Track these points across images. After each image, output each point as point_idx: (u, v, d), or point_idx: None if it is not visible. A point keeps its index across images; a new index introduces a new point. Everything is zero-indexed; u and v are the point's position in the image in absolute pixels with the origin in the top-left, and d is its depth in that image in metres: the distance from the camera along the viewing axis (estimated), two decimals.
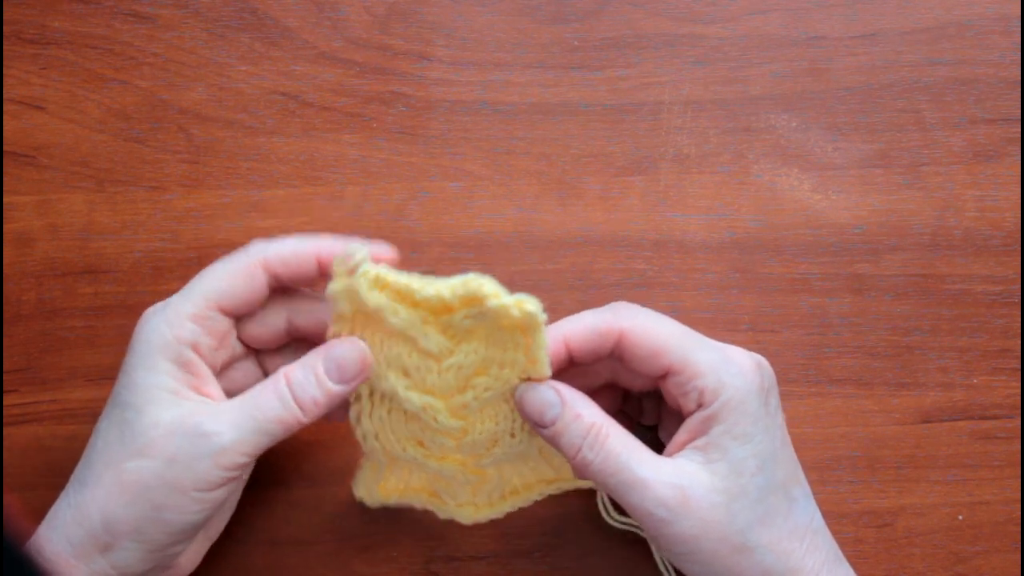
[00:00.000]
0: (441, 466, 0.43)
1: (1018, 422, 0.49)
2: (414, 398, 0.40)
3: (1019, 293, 0.49)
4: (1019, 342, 0.49)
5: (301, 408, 0.39)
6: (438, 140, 0.51)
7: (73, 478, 0.40)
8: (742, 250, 0.50)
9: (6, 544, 0.28)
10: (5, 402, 0.48)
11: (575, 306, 0.49)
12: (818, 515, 0.41)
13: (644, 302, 0.49)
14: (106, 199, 0.50)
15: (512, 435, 0.42)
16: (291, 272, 0.41)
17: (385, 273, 0.38)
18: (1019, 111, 0.51)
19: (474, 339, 0.40)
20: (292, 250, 0.41)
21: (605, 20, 0.51)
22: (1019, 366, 0.49)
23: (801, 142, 0.51)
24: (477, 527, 0.47)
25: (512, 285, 0.49)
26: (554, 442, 0.40)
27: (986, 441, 0.48)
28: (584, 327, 0.41)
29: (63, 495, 0.40)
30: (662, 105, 0.51)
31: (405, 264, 0.49)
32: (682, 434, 0.40)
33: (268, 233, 0.49)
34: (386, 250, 0.41)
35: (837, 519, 0.48)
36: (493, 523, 0.47)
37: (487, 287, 0.37)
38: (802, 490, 0.41)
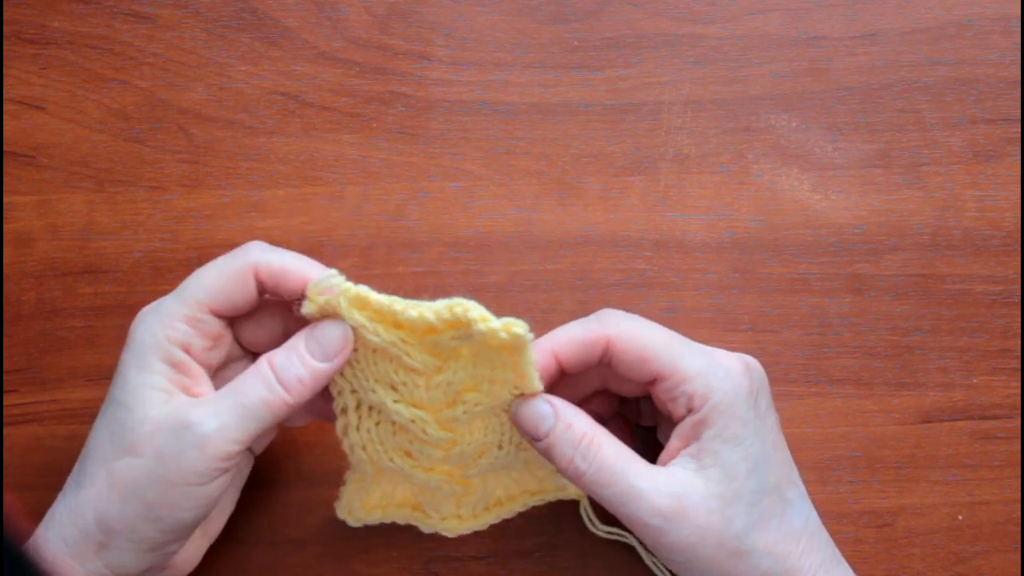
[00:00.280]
0: (428, 477, 0.43)
1: (1018, 422, 0.49)
2: (403, 411, 0.41)
3: (1019, 293, 0.49)
4: (1019, 342, 0.49)
5: (286, 389, 0.39)
6: (438, 140, 0.51)
7: (70, 478, 0.40)
8: (742, 250, 0.50)
9: (6, 544, 0.28)
10: (5, 402, 0.48)
11: (575, 306, 0.49)
12: (814, 515, 0.41)
13: (644, 302, 0.49)
14: (106, 199, 0.50)
15: (499, 447, 0.43)
16: (277, 287, 0.41)
17: (366, 293, 0.38)
18: (1019, 111, 0.51)
19: (461, 357, 0.40)
20: (283, 266, 0.41)
21: (605, 20, 0.51)
22: (1019, 366, 0.49)
23: (801, 142, 0.51)
24: None
25: (512, 285, 0.49)
26: (548, 454, 0.40)
27: (986, 441, 0.48)
28: (571, 338, 0.41)
29: (60, 495, 0.40)
30: (662, 105, 0.51)
31: (405, 263, 0.50)
32: (674, 441, 0.40)
33: (268, 233, 0.50)
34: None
35: (837, 519, 0.48)
36: (493, 523, 0.47)
37: (473, 312, 0.37)
38: (797, 491, 0.41)
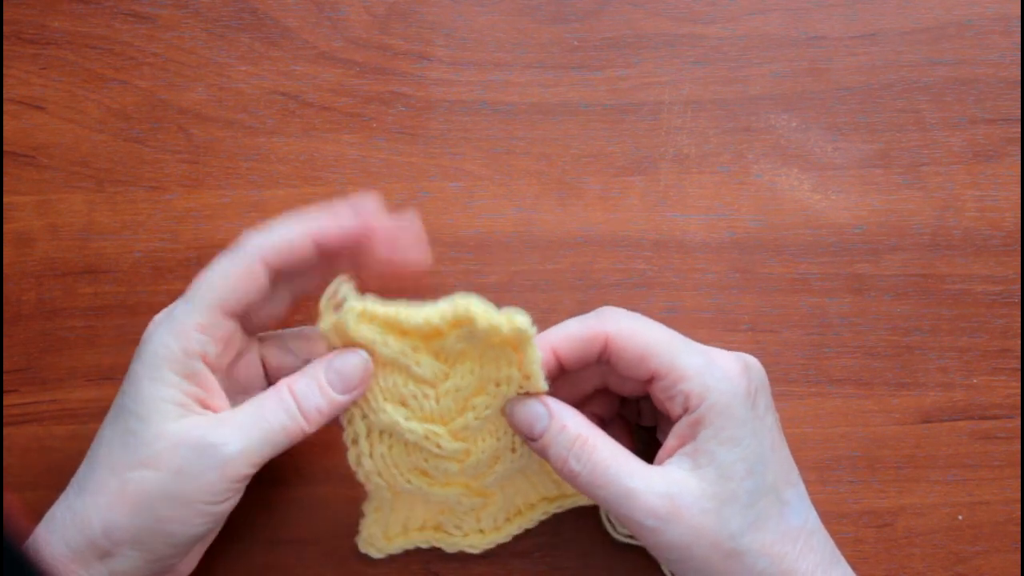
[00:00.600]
0: (446, 493, 0.43)
1: (1018, 422, 0.49)
2: (416, 428, 0.41)
3: (1019, 293, 0.49)
4: (1019, 342, 0.49)
5: (306, 418, 0.39)
6: (438, 140, 0.51)
7: (73, 482, 0.40)
8: (742, 250, 0.50)
9: (6, 544, 0.28)
10: (5, 402, 0.48)
11: (575, 306, 0.49)
12: (813, 516, 0.41)
13: (644, 302, 0.49)
14: (106, 199, 0.50)
15: (513, 450, 0.43)
16: (290, 262, 0.41)
17: (372, 306, 0.39)
18: (1019, 111, 0.51)
19: (467, 360, 0.40)
20: (286, 240, 0.41)
21: (605, 20, 0.51)
22: (1019, 366, 0.49)
23: (801, 142, 0.51)
24: None
25: (512, 285, 0.49)
26: (543, 455, 0.40)
27: (986, 441, 0.48)
28: (570, 335, 0.41)
29: (62, 498, 0.40)
30: (662, 105, 0.51)
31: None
32: (671, 440, 0.40)
33: None
34: (371, 202, 0.41)
35: (837, 519, 0.48)
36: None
37: (475, 307, 0.38)
38: (795, 491, 0.41)
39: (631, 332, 0.40)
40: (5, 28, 0.51)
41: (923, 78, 0.51)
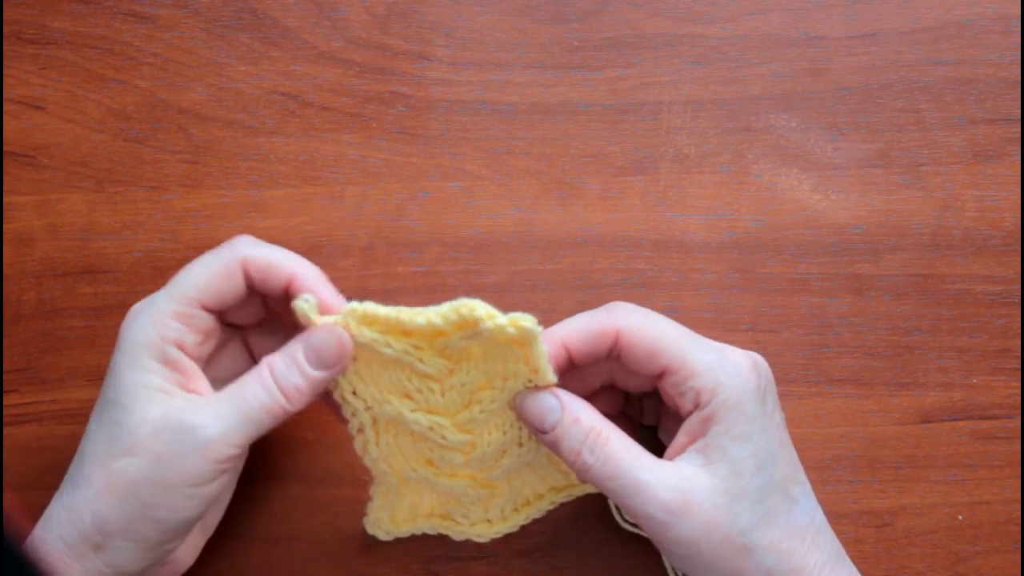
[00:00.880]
0: (452, 483, 0.43)
1: (1018, 422, 0.48)
2: (421, 419, 0.41)
3: (1019, 293, 0.49)
4: (1019, 342, 0.49)
5: (285, 396, 0.39)
6: (438, 140, 0.51)
7: (66, 478, 0.40)
8: (742, 250, 0.50)
9: (6, 544, 0.28)
10: (5, 402, 0.48)
11: (575, 306, 0.49)
12: (820, 514, 0.41)
13: (644, 302, 0.49)
14: (106, 199, 0.50)
15: (520, 444, 0.42)
16: (264, 281, 0.41)
17: (372, 309, 0.39)
18: (1019, 111, 0.51)
19: (472, 356, 0.40)
20: (269, 260, 0.41)
21: (605, 20, 0.51)
22: (1019, 366, 0.49)
23: (801, 142, 0.51)
24: None
25: (512, 285, 0.49)
26: (555, 447, 0.40)
27: (986, 441, 0.48)
28: (581, 329, 0.41)
29: (56, 495, 0.40)
30: (662, 105, 0.51)
31: (405, 263, 0.50)
32: (681, 436, 0.40)
33: (268, 233, 0.50)
34: (333, 295, 0.41)
35: (837, 519, 0.48)
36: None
37: (479, 310, 0.37)
38: (802, 489, 0.41)
39: (642, 327, 0.40)
40: (5, 28, 0.51)
41: (923, 78, 0.51)
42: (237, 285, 0.41)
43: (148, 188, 0.50)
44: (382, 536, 0.45)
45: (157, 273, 0.49)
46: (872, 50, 0.51)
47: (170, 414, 0.39)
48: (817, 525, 0.41)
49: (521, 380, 0.40)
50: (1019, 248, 0.50)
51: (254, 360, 0.45)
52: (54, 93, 0.51)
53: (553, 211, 0.50)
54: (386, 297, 0.47)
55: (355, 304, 0.39)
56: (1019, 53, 0.51)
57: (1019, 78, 0.51)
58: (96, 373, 0.49)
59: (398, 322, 0.39)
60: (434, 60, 0.51)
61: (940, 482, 0.48)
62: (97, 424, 0.40)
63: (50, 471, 0.47)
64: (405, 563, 0.47)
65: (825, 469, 0.48)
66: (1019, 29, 0.51)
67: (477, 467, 0.43)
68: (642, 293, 0.49)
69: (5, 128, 0.50)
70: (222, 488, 0.40)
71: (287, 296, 0.41)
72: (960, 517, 0.48)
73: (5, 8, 0.51)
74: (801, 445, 0.48)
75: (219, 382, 0.41)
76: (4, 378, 0.49)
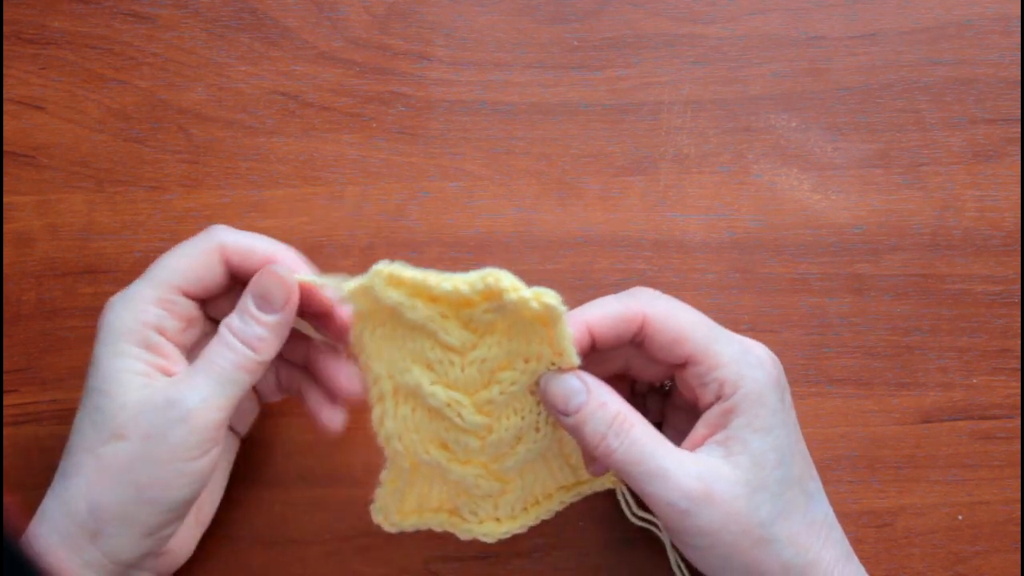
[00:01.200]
0: (464, 471, 0.43)
1: (1018, 422, 0.49)
2: (439, 393, 0.40)
3: (1019, 293, 0.49)
4: (1019, 342, 0.49)
5: (251, 348, 0.40)
6: (438, 140, 0.51)
7: (57, 471, 0.40)
8: (742, 250, 0.50)
9: (6, 544, 0.28)
10: (5, 402, 0.48)
11: (575, 306, 0.49)
12: (831, 510, 0.41)
13: None
14: (106, 199, 0.50)
15: (537, 429, 0.42)
16: (243, 265, 0.42)
17: (400, 270, 0.38)
18: (1019, 111, 0.51)
19: (496, 332, 0.39)
20: (248, 247, 0.42)
21: (605, 20, 0.51)
22: (1019, 366, 0.49)
23: (801, 142, 0.51)
24: None
25: None
26: (577, 431, 0.40)
27: (986, 441, 0.48)
28: (607, 313, 0.40)
29: (49, 491, 0.40)
30: (662, 105, 0.51)
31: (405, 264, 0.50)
32: (700, 428, 0.40)
33: (268, 233, 0.49)
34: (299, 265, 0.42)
35: (838, 519, 0.48)
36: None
37: (505, 281, 0.37)
38: (816, 484, 0.41)
39: (667, 314, 0.40)
40: (5, 28, 0.51)
41: (923, 78, 0.51)
42: (216, 271, 0.41)
43: (148, 188, 0.50)
44: (387, 527, 0.45)
45: None
46: (872, 50, 0.51)
47: (152, 395, 0.39)
48: (830, 521, 0.41)
49: (544, 363, 0.40)
50: (1019, 248, 0.50)
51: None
52: (54, 93, 0.51)
53: (553, 211, 0.50)
54: None
55: (383, 264, 0.38)
56: (1019, 53, 0.51)
57: (1019, 78, 0.51)
58: None
59: (425, 286, 0.38)
60: (434, 60, 0.51)
61: (940, 482, 0.48)
62: (82, 413, 0.40)
63: (50, 471, 0.47)
64: (405, 563, 0.47)
65: (825, 469, 0.48)
66: (1019, 29, 0.51)
67: (492, 453, 0.42)
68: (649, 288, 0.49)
69: (5, 128, 0.50)
70: (213, 465, 0.40)
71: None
72: (960, 517, 0.48)
73: (5, 8, 0.51)
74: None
75: None
76: (4, 378, 0.49)
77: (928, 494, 0.48)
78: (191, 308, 0.42)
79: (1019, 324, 0.49)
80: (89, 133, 0.51)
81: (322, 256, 0.49)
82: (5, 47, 0.51)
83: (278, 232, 0.50)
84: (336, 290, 0.40)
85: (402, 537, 0.47)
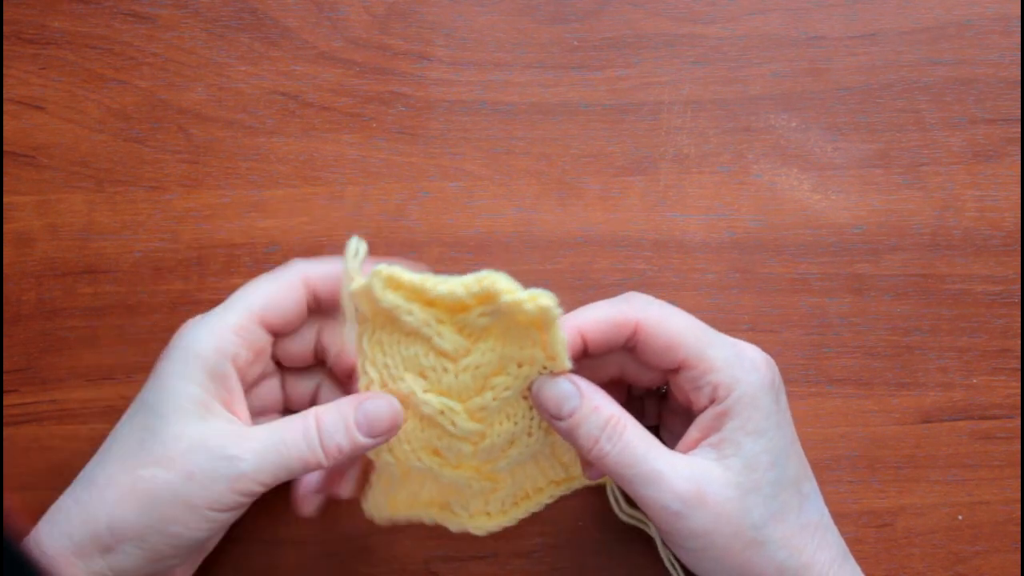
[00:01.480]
0: (456, 475, 0.43)
1: (1018, 422, 0.49)
2: (432, 401, 0.40)
3: (1019, 293, 0.49)
4: (1019, 342, 0.49)
5: (325, 453, 0.39)
6: (438, 140, 0.51)
7: (83, 475, 0.40)
8: (742, 250, 0.50)
9: (6, 543, 0.28)
10: (5, 402, 0.48)
11: (575, 306, 0.49)
12: (827, 512, 0.41)
13: None
14: (106, 199, 0.50)
15: (529, 433, 0.42)
16: (325, 293, 0.42)
17: (399, 272, 0.38)
18: (1019, 111, 0.51)
19: (490, 337, 0.39)
20: (330, 273, 0.41)
21: (605, 20, 0.51)
22: (1019, 366, 0.49)
23: (801, 142, 0.51)
24: None
25: None
26: (570, 435, 0.40)
27: (986, 441, 0.48)
28: (600, 318, 0.41)
29: (69, 491, 0.40)
30: (662, 105, 0.51)
31: (405, 264, 0.50)
32: (694, 431, 0.40)
33: (268, 233, 0.50)
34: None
35: (837, 519, 0.47)
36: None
37: (501, 283, 0.37)
38: (811, 486, 0.41)
39: (660, 320, 0.40)
40: (5, 28, 0.51)
41: (923, 78, 0.51)
42: (299, 301, 0.41)
43: (148, 188, 0.50)
44: (378, 519, 0.45)
45: (157, 273, 0.49)
46: (872, 50, 0.51)
47: (210, 437, 0.38)
48: (825, 523, 0.41)
49: (536, 367, 0.40)
50: (1019, 248, 0.50)
51: (286, 401, 0.45)
52: (54, 93, 0.51)
53: (553, 211, 0.50)
54: None
55: (382, 266, 0.38)
56: (1019, 53, 0.51)
57: (1019, 78, 0.51)
58: (96, 373, 0.49)
59: (422, 289, 0.38)
60: (434, 60, 0.51)
61: (940, 482, 0.48)
62: (129, 426, 0.40)
63: (50, 471, 0.47)
64: (405, 563, 0.47)
65: (825, 469, 0.48)
66: (1019, 29, 0.51)
67: (484, 458, 0.42)
68: (642, 293, 0.49)
69: (5, 128, 0.50)
70: (237, 517, 0.40)
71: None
72: (960, 517, 0.48)
73: (5, 8, 0.51)
74: (801, 445, 0.48)
75: (250, 410, 0.41)
76: (4, 378, 0.49)
77: (928, 494, 0.48)
78: (265, 342, 0.41)
79: (1019, 324, 0.49)
80: (89, 133, 0.51)
81: (322, 256, 0.49)
82: (5, 47, 0.51)
83: (278, 232, 0.50)
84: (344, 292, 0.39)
85: (402, 537, 0.47)
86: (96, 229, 0.50)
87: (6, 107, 0.51)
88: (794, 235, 0.50)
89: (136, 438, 0.39)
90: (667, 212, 0.50)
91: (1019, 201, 0.50)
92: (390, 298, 0.38)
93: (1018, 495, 0.48)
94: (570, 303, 0.49)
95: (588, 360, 0.42)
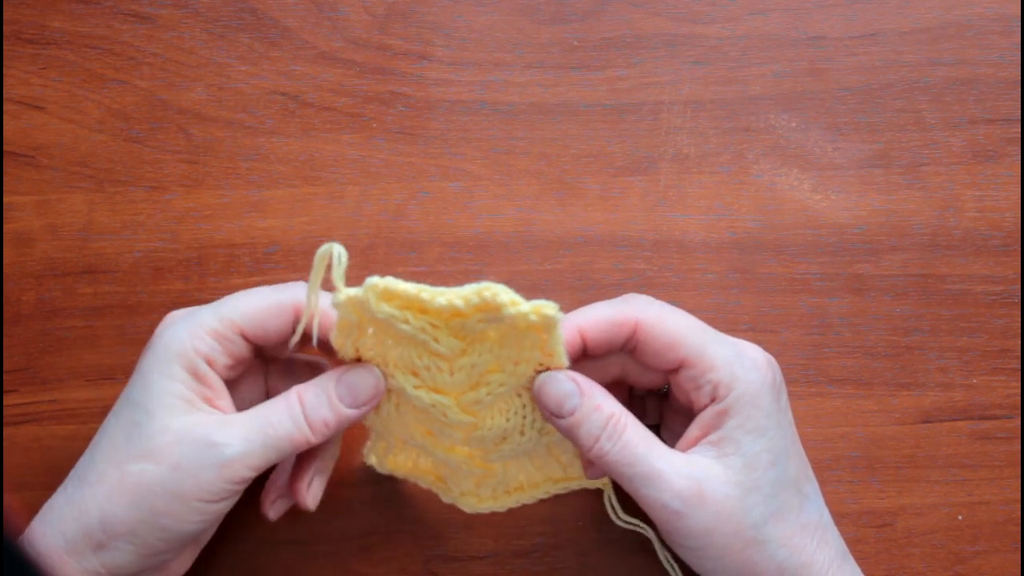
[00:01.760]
0: (448, 456, 0.43)
1: (1018, 422, 0.48)
2: (423, 396, 0.40)
3: (1019, 293, 0.49)
4: (1019, 342, 0.49)
5: (311, 428, 0.39)
6: (438, 140, 0.51)
7: (73, 473, 0.40)
8: (742, 250, 0.50)
9: (5, 543, 0.28)
10: (5, 402, 0.48)
11: (575, 306, 0.49)
12: (827, 512, 0.41)
13: None
14: (106, 199, 0.50)
15: (521, 432, 0.42)
16: (322, 325, 0.41)
17: (394, 284, 0.37)
18: (1019, 111, 0.51)
19: (487, 339, 0.39)
20: (324, 311, 0.40)
21: (605, 20, 0.51)
22: (1019, 366, 0.49)
23: (801, 142, 0.51)
24: (477, 526, 0.47)
25: (512, 285, 0.49)
26: (570, 433, 0.40)
27: (986, 441, 0.48)
28: (600, 318, 0.41)
29: (61, 490, 0.40)
30: (662, 105, 0.51)
31: (405, 264, 0.50)
32: (694, 430, 0.40)
33: (268, 233, 0.50)
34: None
35: (837, 519, 0.47)
36: (493, 523, 0.47)
37: (503, 296, 0.36)
38: (812, 486, 0.41)
39: (660, 319, 0.40)
40: (5, 28, 0.51)
41: (923, 78, 0.51)
42: (283, 325, 0.41)
43: (148, 188, 0.50)
44: (379, 468, 0.45)
45: (157, 273, 0.49)
46: (872, 50, 0.51)
47: (194, 427, 0.38)
48: (825, 523, 0.41)
49: (532, 364, 0.39)
50: (1019, 248, 0.50)
51: (267, 393, 0.45)
52: (54, 93, 0.51)
53: (553, 211, 0.50)
54: None
55: (376, 278, 0.37)
56: (1019, 53, 0.51)
57: (1019, 78, 0.51)
58: (96, 373, 0.49)
59: (418, 300, 0.37)
60: (434, 60, 0.51)
61: (940, 482, 0.48)
62: (116, 423, 0.40)
63: (50, 471, 0.47)
64: (405, 563, 0.47)
65: (825, 469, 0.48)
66: (1019, 29, 0.51)
67: (475, 447, 0.42)
68: (642, 293, 0.49)
69: (5, 128, 0.50)
70: (229, 508, 0.40)
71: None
72: (960, 517, 0.48)
73: (5, 8, 0.51)
74: (802, 445, 0.48)
75: (237, 404, 0.41)
76: (4, 378, 0.49)
77: (928, 494, 0.48)
78: (245, 350, 0.41)
79: (1019, 324, 0.49)
80: (89, 133, 0.51)
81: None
82: (5, 47, 0.51)
83: (278, 232, 0.50)
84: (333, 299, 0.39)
85: (402, 537, 0.47)
86: (96, 229, 0.50)
87: (6, 107, 0.51)
88: (794, 235, 0.50)
89: (123, 434, 0.39)
90: (667, 212, 0.50)
91: (1019, 201, 0.50)
92: (385, 309, 0.38)
93: (1018, 495, 0.48)
94: (570, 303, 0.49)
95: (589, 361, 0.42)
